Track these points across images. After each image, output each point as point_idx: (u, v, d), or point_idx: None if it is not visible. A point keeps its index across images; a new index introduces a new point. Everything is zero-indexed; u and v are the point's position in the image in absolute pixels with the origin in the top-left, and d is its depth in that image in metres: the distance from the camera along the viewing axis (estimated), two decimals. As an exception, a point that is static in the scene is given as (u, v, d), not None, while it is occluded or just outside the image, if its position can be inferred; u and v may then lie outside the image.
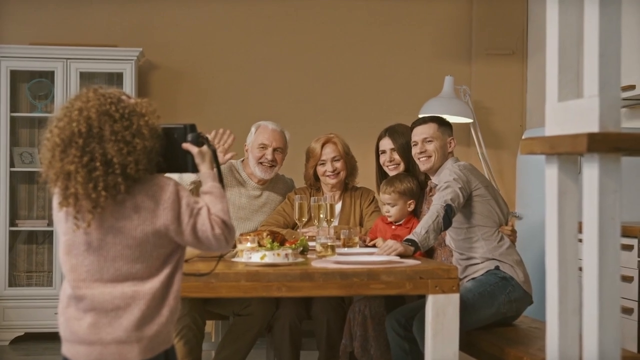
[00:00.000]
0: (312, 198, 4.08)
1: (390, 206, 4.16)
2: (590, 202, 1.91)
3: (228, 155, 4.32)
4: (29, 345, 5.92)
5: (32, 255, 6.26)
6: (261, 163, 4.52)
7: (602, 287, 1.89)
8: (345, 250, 3.79)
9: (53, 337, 5.95)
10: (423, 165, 4.05)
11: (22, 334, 5.98)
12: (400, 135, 4.30)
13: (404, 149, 4.25)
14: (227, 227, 2.39)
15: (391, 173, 4.33)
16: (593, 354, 1.90)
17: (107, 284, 2.33)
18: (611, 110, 1.90)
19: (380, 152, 4.40)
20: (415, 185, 4.21)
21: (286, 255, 3.33)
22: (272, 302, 4.14)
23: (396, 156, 4.32)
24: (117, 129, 2.29)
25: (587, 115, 1.93)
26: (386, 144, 4.35)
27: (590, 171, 1.91)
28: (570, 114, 2.02)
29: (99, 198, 2.28)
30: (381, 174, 4.43)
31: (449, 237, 3.98)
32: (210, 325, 4.97)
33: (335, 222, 4.36)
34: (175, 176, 2.56)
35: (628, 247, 4.19)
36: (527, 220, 5.43)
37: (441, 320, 3.24)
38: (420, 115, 5.16)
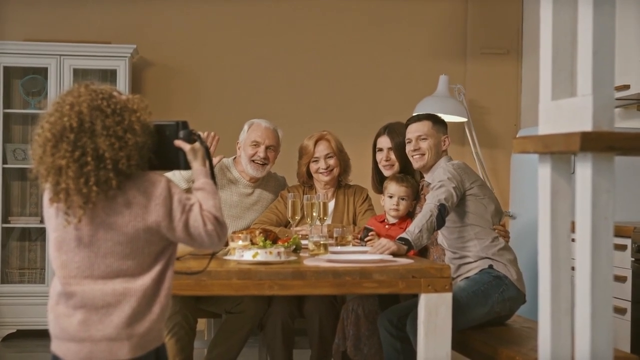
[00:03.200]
0: (305, 196, 4.07)
1: (402, 200, 4.15)
2: (583, 201, 1.91)
3: (216, 159, 4.30)
4: (21, 342, 5.91)
5: (25, 252, 6.25)
6: (253, 161, 4.51)
7: (594, 286, 1.89)
8: (338, 248, 3.78)
9: (45, 334, 5.89)
10: (416, 162, 4.04)
11: (15, 330, 5.96)
12: (399, 134, 4.27)
13: (401, 149, 4.22)
14: (219, 223, 2.38)
15: (386, 172, 4.32)
16: (585, 354, 1.89)
17: (98, 280, 2.31)
18: (605, 109, 1.89)
19: (377, 150, 4.38)
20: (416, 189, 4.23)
21: (278, 253, 3.31)
22: (264, 300, 4.12)
23: (392, 156, 4.30)
24: (108, 124, 2.28)
25: (580, 114, 1.93)
26: (384, 142, 4.33)
27: (584, 170, 1.91)
28: (564, 113, 2.01)
29: (90, 193, 2.26)
30: (377, 171, 4.42)
31: (442, 236, 3.97)
32: (202, 323, 4.96)
33: (329, 221, 4.34)
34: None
35: (621, 247, 4.19)
36: (521, 219, 5.43)
37: (434, 319, 3.23)
38: (415, 114, 5.13)
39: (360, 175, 4.77)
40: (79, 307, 2.31)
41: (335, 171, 4.52)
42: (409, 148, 4.06)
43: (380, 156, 4.35)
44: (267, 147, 4.51)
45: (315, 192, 4.51)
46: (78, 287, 2.32)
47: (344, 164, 4.56)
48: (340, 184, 4.59)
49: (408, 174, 4.26)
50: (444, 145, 4.06)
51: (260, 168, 4.52)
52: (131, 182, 2.33)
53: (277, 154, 4.60)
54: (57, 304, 2.35)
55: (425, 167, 4.04)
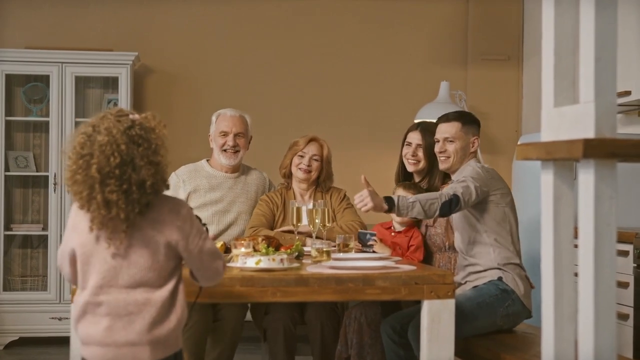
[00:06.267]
0: (310, 202, 4.07)
1: None
2: (586, 207, 1.91)
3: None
4: (23, 349, 5.90)
5: (27, 259, 6.24)
6: (225, 150, 4.58)
7: (597, 292, 1.89)
8: (341, 255, 3.78)
9: (47, 342, 5.93)
10: (442, 164, 3.96)
11: (17, 338, 5.96)
12: (431, 135, 4.19)
13: (431, 149, 4.16)
14: (221, 271, 2.69)
15: (410, 167, 4.30)
16: (589, 360, 1.89)
17: (122, 289, 2.50)
18: (607, 116, 1.90)
19: (405, 144, 4.36)
20: None
21: (281, 260, 3.32)
22: (243, 306, 4.21)
23: (420, 153, 4.27)
24: (142, 152, 2.46)
25: (583, 121, 1.93)
26: (415, 137, 4.31)
27: (586, 177, 1.91)
28: (566, 120, 2.01)
29: (135, 219, 2.47)
30: (402, 167, 4.40)
31: (457, 239, 3.92)
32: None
33: (305, 221, 4.25)
34: None
35: (623, 253, 4.19)
36: (522, 225, 5.41)
37: (436, 326, 3.23)
38: (417, 120, 5.13)
39: (358, 183, 4.76)
40: (105, 315, 2.50)
41: (314, 174, 4.52)
42: (436, 148, 4.00)
43: (407, 150, 4.32)
44: (235, 135, 4.59)
45: (294, 196, 4.51)
46: (104, 297, 2.50)
47: (326, 174, 4.56)
48: (318, 186, 4.58)
49: (433, 175, 4.25)
50: (473, 146, 3.94)
51: (233, 156, 4.59)
52: (159, 201, 2.53)
53: (248, 140, 4.68)
54: (85, 313, 2.52)
55: (450, 169, 3.98)
